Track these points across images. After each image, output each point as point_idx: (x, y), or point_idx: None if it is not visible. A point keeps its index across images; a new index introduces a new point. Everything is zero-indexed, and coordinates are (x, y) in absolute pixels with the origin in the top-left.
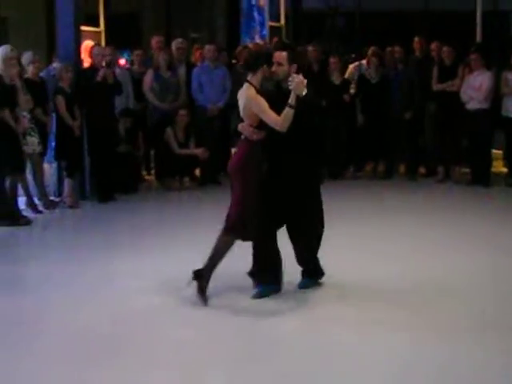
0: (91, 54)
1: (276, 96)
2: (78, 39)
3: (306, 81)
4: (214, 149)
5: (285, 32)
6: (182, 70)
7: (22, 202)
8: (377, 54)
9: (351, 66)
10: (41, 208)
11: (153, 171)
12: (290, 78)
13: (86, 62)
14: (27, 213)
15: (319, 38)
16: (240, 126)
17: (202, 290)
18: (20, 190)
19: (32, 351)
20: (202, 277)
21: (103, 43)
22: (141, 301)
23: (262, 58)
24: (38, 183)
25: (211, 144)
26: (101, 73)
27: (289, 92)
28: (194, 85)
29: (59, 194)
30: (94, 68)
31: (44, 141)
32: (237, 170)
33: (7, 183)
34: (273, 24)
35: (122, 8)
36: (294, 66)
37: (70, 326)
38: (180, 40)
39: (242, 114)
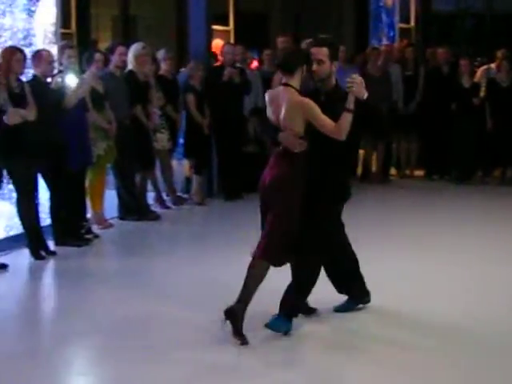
0: (222, 53)
1: (316, 99)
2: (209, 38)
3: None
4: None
5: (414, 34)
6: None
7: (150, 197)
8: (507, 57)
9: (480, 70)
10: (169, 204)
11: None
12: (349, 79)
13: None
14: (155, 208)
15: (449, 40)
16: (282, 136)
17: (238, 331)
18: (149, 186)
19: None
20: (235, 315)
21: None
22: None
23: (299, 57)
24: (167, 179)
25: None
26: (227, 72)
27: (332, 94)
28: None
29: (187, 190)
30: (223, 66)
31: (173, 138)
32: (277, 189)
33: (137, 179)
34: (402, 26)
35: (251, 8)
36: (336, 64)
37: (192, 319)
38: (310, 40)
39: (283, 121)
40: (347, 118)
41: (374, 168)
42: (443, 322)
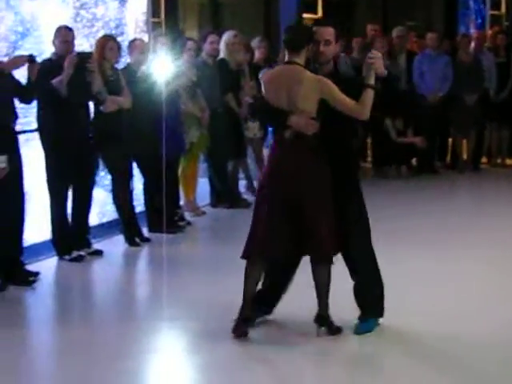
0: None
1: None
2: None
3: None
4: (432, 138)
5: (504, 20)
6: (402, 59)
7: (242, 185)
8: None
9: None
10: None
11: (368, 159)
12: (370, 54)
13: None
14: (247, 196)
15: None
16: (294, 119)
17: (334, 330)
18: (241, 174)
19: None
20: (325, 319)
21: None
22: None
23: (306, 35)
24: (258, 167)
25: (429, 133)
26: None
27: (330, 78)
28: (416, 73)
29: None
30: None
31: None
32: (312, 181)
33: (229, 167)
34: (493, 12)
35: None
36: (339, 45)
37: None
38: (400, 28)
39: (295, 101)
40: (369, 95)
41: (464, 156)
42: None
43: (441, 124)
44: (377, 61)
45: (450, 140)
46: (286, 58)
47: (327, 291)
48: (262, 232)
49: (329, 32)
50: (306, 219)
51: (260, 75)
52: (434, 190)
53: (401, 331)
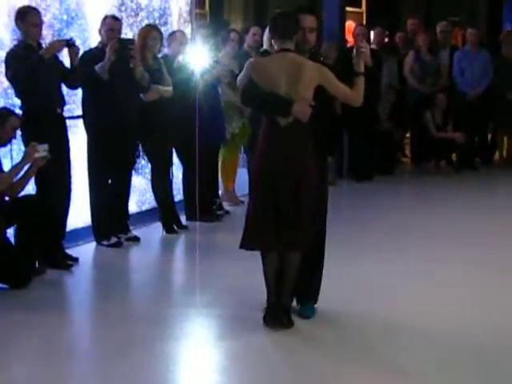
0: (353, 34)
1: None
2: (342, 20)
3: None
4: (472, 134)
5: None
6: (444, 54)
7: None
8: None
9: None
10: None
11: (407, 153)
12: (362, 44)
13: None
14: None
15: None
16: (297, 106)
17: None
18: None
19: None
20: (287, 310)
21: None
22: None
23: (296, 23)
24: None
25: (470, 129)
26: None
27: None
28: (456, 69)
29: None
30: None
31: None
32: (307, 173)
33: None
34: None
35: None
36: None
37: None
38: (444, 23)
39: (297, 89)
40: (361, 82)
41: (504, 153)
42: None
43: (481, 120)
44: (366, 50)
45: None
46: (278, 46)
47: (295, 280)
48: (250, 223)
49: (312, 20)
50: (295, 205)
51: (248, 62)
52: (474, 186)
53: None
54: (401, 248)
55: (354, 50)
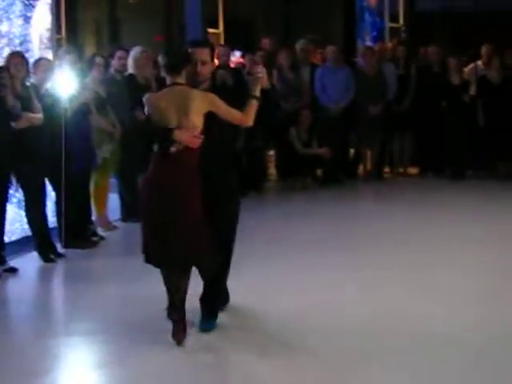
0: (217, 55)
1: None
2: None
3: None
4: (335, 149)
5: (403, 33)
6: (305, 71)
7: None
8: (497, 55)
9: (468, 67)
10: None
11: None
12: (259, 69)
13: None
14: None
15: (438, 39)
16: (178, 133)
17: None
18: None
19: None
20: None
21: None
22: None
23: (185, 57)
24: None
25: (333, 144)
26: (218, 75)
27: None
28: (318, 85)
29: None
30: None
31: None
32: (189, 199)
33: (139, 181)
34: (392, 25)
35: (239, 9)
36: (214, 64)
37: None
38: (303, 41)
39: (187, 118)
40: (253, 105)
41: (368, 166)
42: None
43: (344, 135)
44: (263, 74)
45: (352, 150)
46: (169, 81)
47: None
48: (144, 239)
49: (205, 53)
50: (179, 231)
51: (144, 98)
52: (340, 199)
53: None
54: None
55: (248, 75)
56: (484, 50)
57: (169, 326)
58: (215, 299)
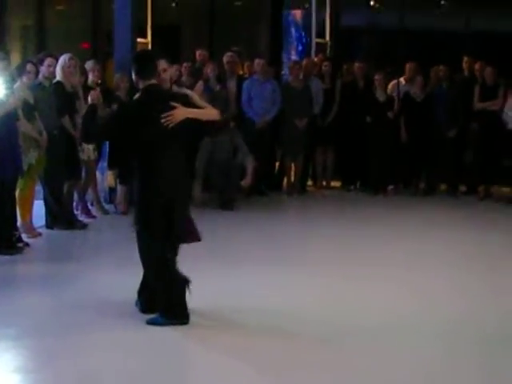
0: None
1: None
2: (134, 50)
3: None
4: (262, 161)
5: (329, 49)
6: (232, 83)
7: (77, 207)
8: (420, 72)
9: (391, 84)
10: (94, 213)
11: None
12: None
13: None
14: (81, 217)
15: (363, 55)
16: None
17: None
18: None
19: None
20: None
21: None
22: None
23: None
24: (92, 189)
25: (260, 156)
26: None
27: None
28: (244, 98)
29: (111, 200)
30: None
31: (99, 148)
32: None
33: (65, 189)
34: (318, 41)
35: (166, 20)
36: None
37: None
38: (230, 54)
39: None
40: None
41: (292, 179)
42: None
43: (269, 148)
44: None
45: (277, 163)
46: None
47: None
48: None
49: (163, 62)
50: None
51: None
52: (264, 211)
53: None
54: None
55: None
56: (408, 66)
57: (92, 331)
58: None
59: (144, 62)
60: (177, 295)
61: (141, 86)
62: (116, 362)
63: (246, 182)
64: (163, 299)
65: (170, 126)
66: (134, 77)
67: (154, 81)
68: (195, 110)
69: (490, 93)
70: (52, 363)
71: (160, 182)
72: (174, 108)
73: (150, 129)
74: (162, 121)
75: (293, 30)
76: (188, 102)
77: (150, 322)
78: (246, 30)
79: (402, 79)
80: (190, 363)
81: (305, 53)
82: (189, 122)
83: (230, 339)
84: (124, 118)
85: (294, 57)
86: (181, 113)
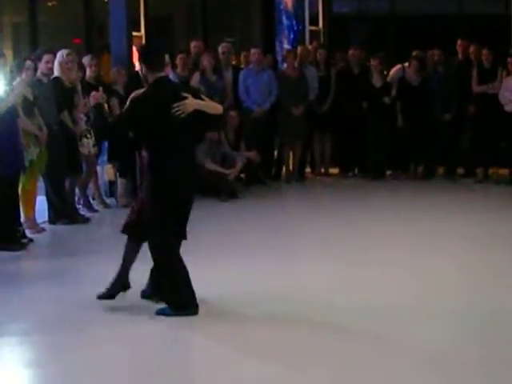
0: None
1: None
2: (130, 44)
3: None
4: (260, 150)
5: (323, 36)
6: (228, 74)
7: (79, 201)
8: (416, 58)
9: (393, 69)
10: (96, 207)
11: None
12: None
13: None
14: (83, 212)
15: (355, 42)
16: None
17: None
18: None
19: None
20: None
21: None
22: None
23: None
24: (93, 184)
25: (257, 145)
26: None
27: None
28: (241, 88)
29: (111, 194)
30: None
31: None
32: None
33: (66, 184)
34: (312, 28)
35: (158, 11)
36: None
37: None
38: (225, 44)
39: None
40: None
41: (290, 167)
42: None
43: (268, 137)
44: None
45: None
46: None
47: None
48: None
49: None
50: None
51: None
52: (264, 199)
53: None
54: None
55: None
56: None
57: (98, 325)
58: None
59: (155, 55)
60: (183, 286)
61: (150, 79)
62: (124, 355)
63: (233, 173)
64: (168, 290)
65: (182, 116)
66: (143, 70)
67: (163, 73)
68: (204, 102)
69: (488, 75)
70: (61, 357)
71: (171, 171)
72: (185, 98)
73: (163, 119)
74: (174, 110)
75: (284, 18)
76: (198, 95)
77: (160, 313)
78: (239, 19)
79: (406, 64)
80: (198, 354)
81: (297, 41)
82: (196, 115)
83: (236, 328)
84: (140, 110)
85: (285, 45)
86: (192, 103)
